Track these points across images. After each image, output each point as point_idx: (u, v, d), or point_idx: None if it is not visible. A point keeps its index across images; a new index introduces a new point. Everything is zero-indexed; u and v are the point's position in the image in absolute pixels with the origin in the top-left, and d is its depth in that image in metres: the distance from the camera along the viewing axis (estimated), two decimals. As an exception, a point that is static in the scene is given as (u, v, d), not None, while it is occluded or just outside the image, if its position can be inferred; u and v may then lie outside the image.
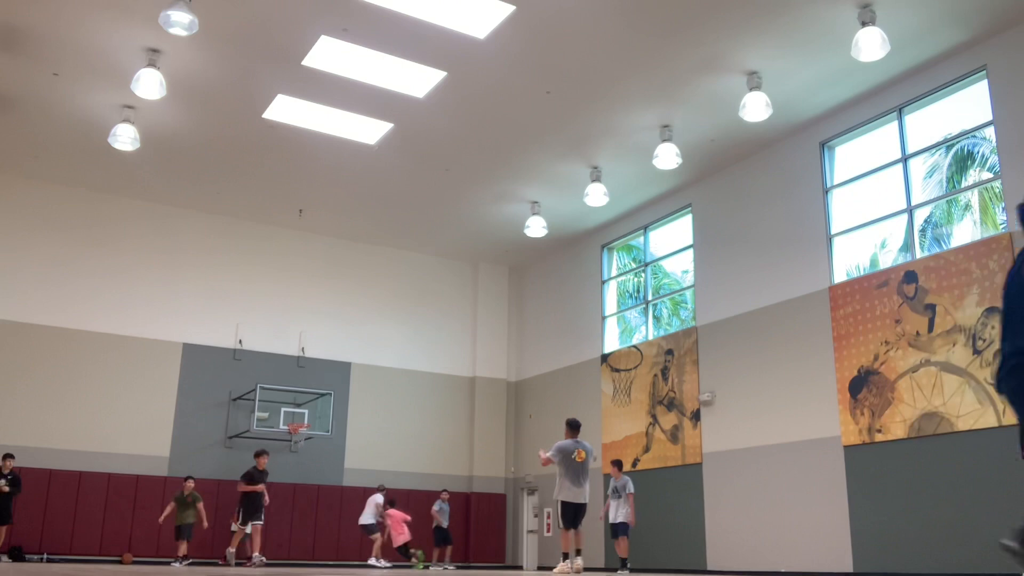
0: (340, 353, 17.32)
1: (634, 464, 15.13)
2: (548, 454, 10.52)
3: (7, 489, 12.94)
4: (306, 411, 16.18)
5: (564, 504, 10.34)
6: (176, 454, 15.30)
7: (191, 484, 14.26)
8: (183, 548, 14.02)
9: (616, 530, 12.77)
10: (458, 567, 16.43)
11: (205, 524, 14.20)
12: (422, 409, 17.76)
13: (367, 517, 15.68)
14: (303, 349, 16.94)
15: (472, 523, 17.63)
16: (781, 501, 12.26)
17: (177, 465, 15.21)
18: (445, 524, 16.31)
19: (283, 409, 15.88)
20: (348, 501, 16.54)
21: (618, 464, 13.29)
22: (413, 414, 17.64)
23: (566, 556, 10.24)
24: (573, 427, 10.70)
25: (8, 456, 13.09)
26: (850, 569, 11.19)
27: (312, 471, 16.44)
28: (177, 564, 13.70)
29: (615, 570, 12.59)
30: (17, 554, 13.37)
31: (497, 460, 18.45)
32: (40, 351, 14.66)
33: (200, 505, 14.20)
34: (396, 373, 17.83)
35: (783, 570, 11.84)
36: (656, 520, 14.25)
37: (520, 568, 17.58)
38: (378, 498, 15.82)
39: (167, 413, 15.48)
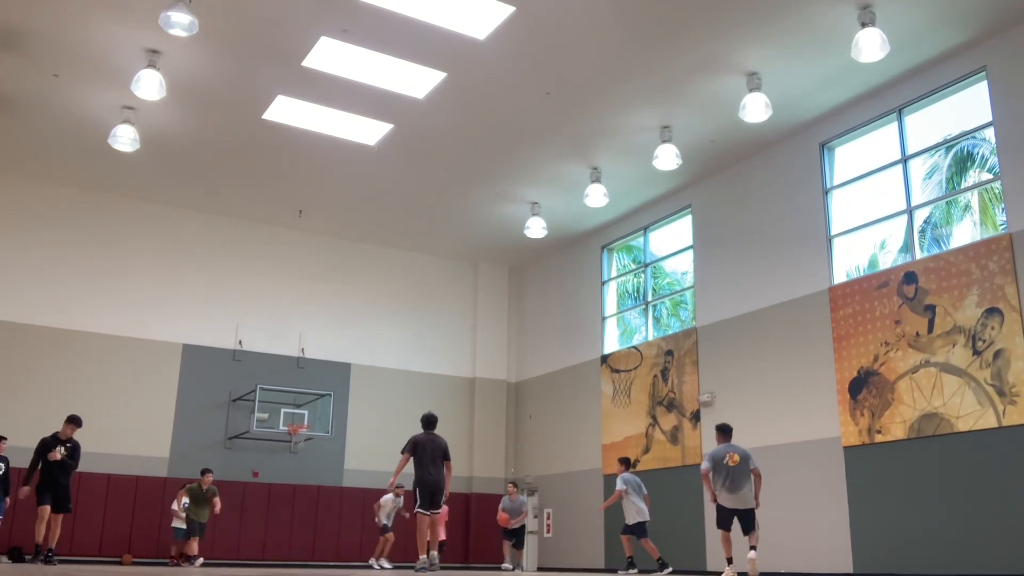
0: (340, 354, 17.32)
1: (634, 465, 15.13)
2: (703, 467, 10.12)
3: (59, 456, 11.07)
4: (306, 412, 16.17)
5: (721, 508, 9.99)
6: (176, 455, 15.29)
7: (210, 478, 13.94)
8: (194, 546, 13.69)
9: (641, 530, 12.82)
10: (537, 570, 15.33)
11: (218, 509, 13.86)
12: (422, 410, 17.62)
13: (385, 516, 15.21)
14: (303, 350, 16.94)
15: (472, 524, 17.63)
16: (781, 502, 12.25)
17: (177, 466, 15.20)
18: (513, 525, 15.15)
19: (283, 410, 15.87)
20: (348, 502, 16.55)
21: (625, 461, 13.50)
22: (413, 415, 17.45)
23: (731, 561, 9.99)
24: (725, 432, 10.26)
25: (72, 420, 11.39)
26: (850, 570, 11.19)
27: (312, 472, 16.44)
28: (189, 565, 13.34)
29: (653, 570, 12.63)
30: (17, 554, 13.35)
31: (497, 461, 18.45)
32: (40, 352, 14.65)
33: (217, 499, 13.83)
34: (396, 374, 17.83)
35: (783, 570, 11.84)
36: (656, 520, 14.24)
37: (520, 568, 17.56)
38: (399, 501, 15.19)
39: (167, 414, 15.48)
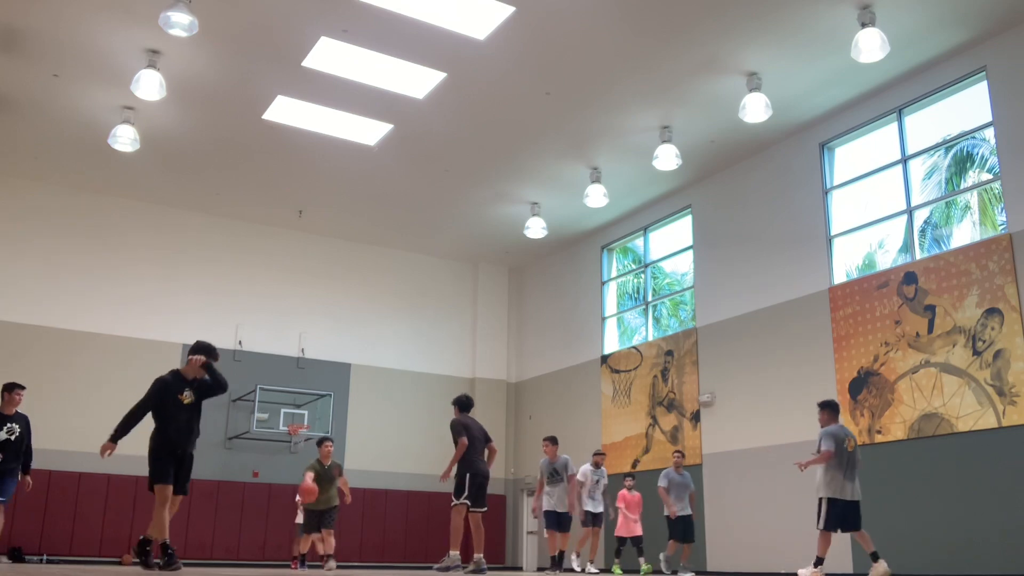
0: (340, 354, 17.32)
1: (634, 465, 15.12)
2: (825, 447, 8.58)
3: (188, 399, 7.80)
4: (306, 412, 16.18)
5: (833, 501, 8.58)
6: (176, 455, 15.26)
7: (330, 448, 11.11)
8: (308, 543, 11.10)
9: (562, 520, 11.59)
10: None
11: (348, 499, 11.13)
12: (422, 410, 17.75)
13: (592, 501, 12.35)
14: (303, 350, 16.94)
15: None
16: (781, 502, 12.26)
17: (177, 466, 15.17)
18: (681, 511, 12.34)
19: (283, 410, 15.87)
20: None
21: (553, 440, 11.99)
22: (413, 415, 17.64)
23: (820, 561, 8.68)
24: (835, 409, 8.93)
25: (205, 348, 7.80)
26: (850, 570, 11.19)
27: (312, 472, 16.42)
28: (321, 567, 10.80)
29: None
30: (17, 555, 13.35)
31: (497, 461, 18.38)
32: (39, 352, 14.63)
33: (345, 478, 11.17)
34: (396, 374, 17.83)
35: (783, 571, 11.83)
36: (656, 521, 14.22)
37: (520, 569, 17.58)
38: (601, 472, 12.46)
39: (167, 414, 15.44)
